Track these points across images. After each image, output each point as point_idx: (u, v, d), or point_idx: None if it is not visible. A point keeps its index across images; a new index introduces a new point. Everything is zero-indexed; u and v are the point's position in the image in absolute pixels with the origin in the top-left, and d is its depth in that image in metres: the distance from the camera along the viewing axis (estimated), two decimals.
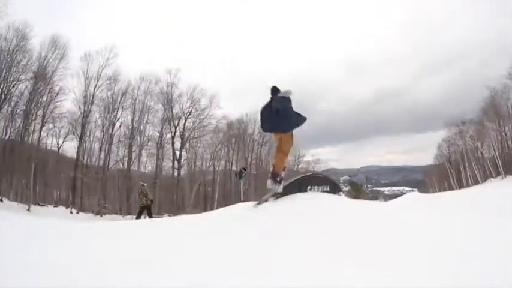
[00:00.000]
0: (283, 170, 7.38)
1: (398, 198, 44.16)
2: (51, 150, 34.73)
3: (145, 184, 19.53)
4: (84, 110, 35.08)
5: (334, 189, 10.42)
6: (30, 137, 32.74)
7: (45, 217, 19.25)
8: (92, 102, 35.42)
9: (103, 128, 36.40)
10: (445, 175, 48.81)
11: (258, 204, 7.86)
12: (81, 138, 34.81)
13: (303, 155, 49.48)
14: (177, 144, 39.53)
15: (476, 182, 41.49)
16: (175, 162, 39.16)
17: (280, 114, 6.49)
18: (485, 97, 41.17)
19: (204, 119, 40.22)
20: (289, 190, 8.56)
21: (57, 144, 34.80)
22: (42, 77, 32.67)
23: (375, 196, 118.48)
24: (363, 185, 22.99)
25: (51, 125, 34.25)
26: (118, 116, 37.21)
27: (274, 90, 6.81)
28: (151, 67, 42.71)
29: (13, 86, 31.23)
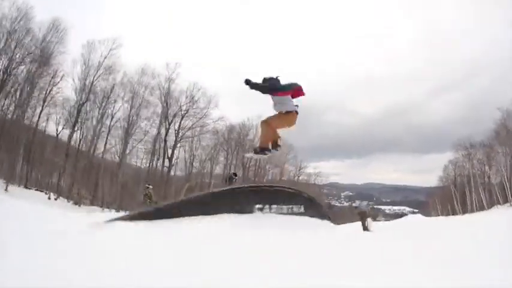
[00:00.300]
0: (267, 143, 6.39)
1: (401, 219, 42.64)
2: (51, 135, 34.00)
3: (151, 186, 19.97)
4: (81, 97, 33.98)
5: (314, 210, 7.79)
6: (30, 119, 31.99)
7: (14, 199, 17.60)
8: (90, 91, 34.22)
9: (99, 118, 35.32)
10: (449, 198, 46.73)
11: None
12: (74, 125, 33.53)
13: (304, 166, 47.73)
14: (172, 142, 38.04)
15: (481, 208, 39.31)
16: (166, 160, 37.59)
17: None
18: (496, 119, 39.23)
19: (201, 118, 38.92)
20: (214, 206, 5.86)
21: (56, 130, 33.88)
22: (43, 60, 31.91)
23: (375, 214, 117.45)
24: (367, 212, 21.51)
25: (51, 110, 33.50)
26: (116, 107, 36.23)
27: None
28: (152, 62, 40.67)
29: (14, 68, 30.47)
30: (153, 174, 36.61)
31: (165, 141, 37.43)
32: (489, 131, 40.42)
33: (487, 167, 41.37)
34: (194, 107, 38.63)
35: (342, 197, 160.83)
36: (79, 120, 34.02)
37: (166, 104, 37.68)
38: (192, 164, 40.09)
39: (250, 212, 5.32)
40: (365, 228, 16.55)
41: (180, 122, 38.20)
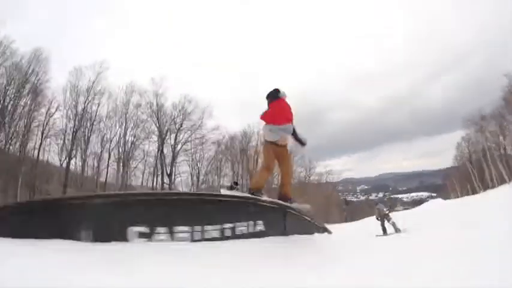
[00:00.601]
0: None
1: (422, 206, 40.42)
2: (55, 166, 33.03)
3: None
4: (74, 125, 32.77)
5: (293, 224, 5.11)
6: (32, 153, 31.24)
7: None
8: (82, 117, 33.05)
9: (97, 143, 34.32)
10: (466, 176, 44.62)
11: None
12: (70, 153, 32.25)
13: (313, 166, 45.49)
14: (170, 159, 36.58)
15: (502, 181, 36.86)
16: (166, 178, 35.96)
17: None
18: (503, 86, 36.96)
19: (196, 130, 37.32)
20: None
21: (60, 160, 32.68)
22: (35, 91, 31.20)
23: (393, 204, 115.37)
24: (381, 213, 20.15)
25: (50, 140, 32.62)
26: (112, 131, 34.93)
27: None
28: (139, 80, 39.63)
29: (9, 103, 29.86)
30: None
31: (161, 157, 35.87)
32: (498, 101, 38.05)
33: (501, 138, 39.00)
34: (187, 120, 37.15)
35: (358, 191, 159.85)
36: (75, 147, 32.79)
37: (158, 119, 36.16)
38: (198, 177, 38.42)
39: (109, 239, 2.98)
40: (396, 230, 14.93)
41: (176, 136, 36.74)
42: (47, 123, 31.70)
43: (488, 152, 39.91)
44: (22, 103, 30.33)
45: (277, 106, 5.38)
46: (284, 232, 5.49)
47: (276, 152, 5.56)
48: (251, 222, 5.00)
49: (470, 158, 44.87)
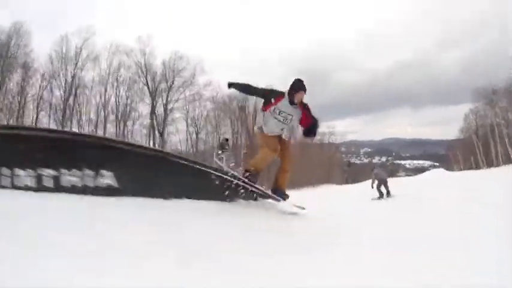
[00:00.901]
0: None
1: (423, 174, 40.10)
2: None
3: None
4: (65, 93, 32.44)
5: (163, 179, 3.77)
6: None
7: None
8: (72, 85, 32.49)
9: (94, 108, 34.20)
10: (471, 149, 44.00)
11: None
12: (62, 122, 31.84)
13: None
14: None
15: (508, 160, 36.29)
16: (158, 138, 35.47)
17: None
18: None
19: (188, 86, 36.51)
20: None
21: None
22: (23, 67, 31.14)
23: (395, 169, 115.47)
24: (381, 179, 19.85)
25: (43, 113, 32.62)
26: (107, 96, 34.37)
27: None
28: (127, 39, 38.09)
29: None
30: None
31: (152, 117, 35.21)
32: None
33: (511, 115, 38.02)
34: (179, 77, 36.17)
35: (362, 153, 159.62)
36: (69, 116, 32.63)
37: (147, 79, 35.24)
38: (197, 136, 38.21)
39: None
40: (388, 194, 14.89)
41: (168, 95, 35.96)
42: (40, 97, 31.62)
43: (496, 128, 39.15)
44: (12, 78, 30.50)
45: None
46: (159, 193, 4.14)
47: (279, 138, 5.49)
48: (89, 173, 3.68)
49: (477, 131, 43.92)
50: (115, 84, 34.28)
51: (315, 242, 3.83)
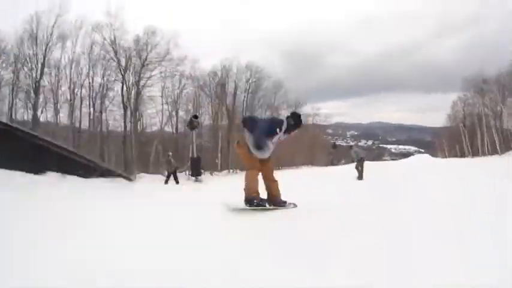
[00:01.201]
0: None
1: (409, 158, 39.55)
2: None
3: (171, 154, 20.45)
4: (36, 75, 30.18)
5: None
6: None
7: None
8: (43, 65, 30.25)
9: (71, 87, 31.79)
10: (457, 138, 43.33)
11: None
12: (35, 106, 30.07)
13: (299, 104, 43.32)
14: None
15: (494, 151, 35.64)
16: (128, 117, 33.39)
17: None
18: None
19: (161, 62, 34.14)
20: None
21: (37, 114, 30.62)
22: None
23: (381, 153, 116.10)
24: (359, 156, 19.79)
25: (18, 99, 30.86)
26: (82, 76, 32.18)
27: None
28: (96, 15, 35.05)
29: None
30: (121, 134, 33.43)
31: (122, 95, 32.87)
32: (506, 66, 35.76)
33: (500, 106, 37.19)
34: (152, 53, 33.87)
35: (348, 136, 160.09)
36: (44, 99, 30.84)
37: (116, 55, 32.51)
38: (177, 115, 36.69)
39: None
40: (360, 177, 15.51)
41: (140, 72, 33.51)
42: (14, 82, 29.75)
43: (484, 118, 38.28)
44: None
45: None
46: None
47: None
48: None
49: (464, 120, 42.91)
50: (89, 62, 32.24)
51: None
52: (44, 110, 30.86)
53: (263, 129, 5.17)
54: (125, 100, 32.58)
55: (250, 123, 5.40)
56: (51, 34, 30.12)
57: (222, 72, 38.10)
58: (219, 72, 38.02)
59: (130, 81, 33.05)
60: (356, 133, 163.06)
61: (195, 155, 22.06)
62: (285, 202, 5.44)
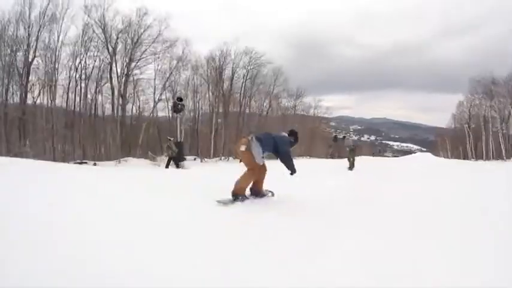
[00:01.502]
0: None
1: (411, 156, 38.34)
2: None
3: (172, 139, 20.26)
4: (28, 56, 28.61)
5: None
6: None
7: None
8: (36, 48, 28.82)
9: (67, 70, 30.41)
10: (461, 139, 42.03)
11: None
12: (25, 89, 28.59)
13: (301, 95, 42.18)
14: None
15: (498, 156, 34.52)
16: (117, 100, 31.56)
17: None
18: None
19: (152, 43, 32.25)
20: None
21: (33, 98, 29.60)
22: None
23: (383, 149, 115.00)
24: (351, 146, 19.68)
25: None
26: (77, 60, 30.56)
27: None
28: None
29: None
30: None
31: (111, 77, 31.14)
32: None
33: (509, 110, 35.66)
34: (143, 34, 32.08)
35: (351, 130, 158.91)
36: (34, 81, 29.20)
37: (105, 34, 30.79)
38: (174, 99, 34.88)
39: None
40: (351, 167, 16.08)
41: (131, 54, 31.81)
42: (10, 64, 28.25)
43: (491, 120, 36.84)
44: None
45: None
46: None
47: None
48: None
49: (469, 121, 41.34)
50: (83, 45, 30.59)
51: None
52: (41, 93, 29.52)
53: (288, 153, 6.12)
54: (113, 82, 31.24)
55: (262, 137, 5.98)
56: (43, 16, 28.71)
57: (220, 57, 36.57)
58: (216, 58, 36.52)
59: (121, 63, 31.69)
60: (359, 127, 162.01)
61: (179, 140, 21.36)
62: (264, 194, 6.27)
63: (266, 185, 6.23)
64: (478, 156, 37.00)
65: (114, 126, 30.30)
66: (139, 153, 29.66)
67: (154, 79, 33.36)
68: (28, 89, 28.51)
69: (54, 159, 22.55)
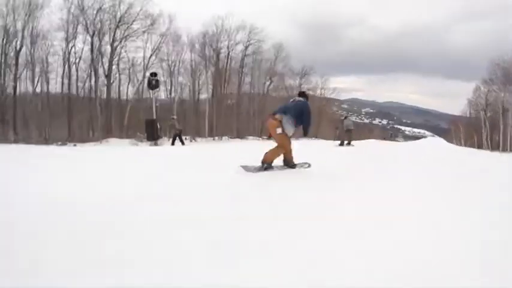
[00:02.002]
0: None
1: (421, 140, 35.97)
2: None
3: (175, 117, 19.67)
4: (16, 44, 27.83)
5: None
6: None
7: None
8: (23, 34, 27.88)
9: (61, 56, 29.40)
10: (476, 128, 39.45)
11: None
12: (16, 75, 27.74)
13: (307, 73, 40.46)
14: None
15: None
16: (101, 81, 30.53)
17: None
18: None
19: (134, 21, 30.54)
20: None
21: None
22: None
23: (395, 134, 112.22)
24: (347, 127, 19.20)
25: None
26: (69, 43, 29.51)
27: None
28: None
29: None
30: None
31: (92, 57, 29.62)
32: None
33: None
34: (127, 13, 30.30)
35: (363, 113, 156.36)
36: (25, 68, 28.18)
37: (82, 12, 29.20)
38: (172, 83, 33.68)
39: None
40: (341, 144, 16.69)
41: (115, 31, 30.17)
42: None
43: (510, 111, 33.83)
44: None
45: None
46: None
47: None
48: None
49: (486, 108, 38.33)
50: (67, 27, 29.18)
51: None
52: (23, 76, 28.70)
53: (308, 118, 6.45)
54: (95, 62, 29.84)
55: (288, 110, 6.26)
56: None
57: (216, 33, 34.55)
58: (209, 34, 34.49)
59: (105, 41, 30.37)
60: (372, 111, 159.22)
61: (154, 117, 19.97)
62: (295, 164, 6.46)
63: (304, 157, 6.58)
64: (494, 148, 34.21)
65: (96, 107, 29.42)
66: (127, 133, 28.78)
67: (144, 58, 31.99)
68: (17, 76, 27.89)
69: (36, 143, 21.34)
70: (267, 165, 6.09)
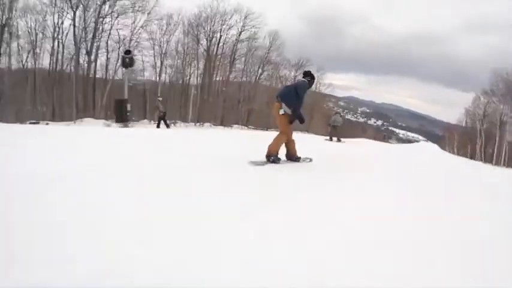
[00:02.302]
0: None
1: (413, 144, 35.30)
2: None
3: (161, 99, 19.66)
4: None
5: None
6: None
7: None
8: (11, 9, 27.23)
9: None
10: (471, 137, 38.47)
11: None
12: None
13: (302, 65, 38.53)
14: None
15: (510, 163, 30.99)
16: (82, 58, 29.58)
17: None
18: None
19: None
20: None
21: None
22: None
23: (388, 136, 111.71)
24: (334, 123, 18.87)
25: None
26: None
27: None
28: None
29: None
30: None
31: (74, 34, 28.37)
32: None
33: None
34: None
35: (359, 112, 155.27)
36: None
37: None
38: (162, 64, 32.33)
39: None
40: (338, 140, 17.10)
41: (101, 7, 28.88)
42: None
43: (508, 124, 33.28)
44: None
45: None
46: None
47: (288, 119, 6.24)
48: None
49: (483, 119, 37.55)
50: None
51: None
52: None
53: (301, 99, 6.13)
54: (77, 40, 28.67)
55: (285, 93, 6.09)
56: None
57: (210, 13, 33.09)
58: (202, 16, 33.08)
59: (87, 18, 29.03)
60: (368, 110, 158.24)
61: (125, 97, 18.80)
62: (299, 158, 6.54)
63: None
64: (487, 159, 33.41)
65: (75, 85, 28.33)
66: (107, 114, 27.90)
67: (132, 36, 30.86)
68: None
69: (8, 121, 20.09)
70: (273, 157, 6.03)
